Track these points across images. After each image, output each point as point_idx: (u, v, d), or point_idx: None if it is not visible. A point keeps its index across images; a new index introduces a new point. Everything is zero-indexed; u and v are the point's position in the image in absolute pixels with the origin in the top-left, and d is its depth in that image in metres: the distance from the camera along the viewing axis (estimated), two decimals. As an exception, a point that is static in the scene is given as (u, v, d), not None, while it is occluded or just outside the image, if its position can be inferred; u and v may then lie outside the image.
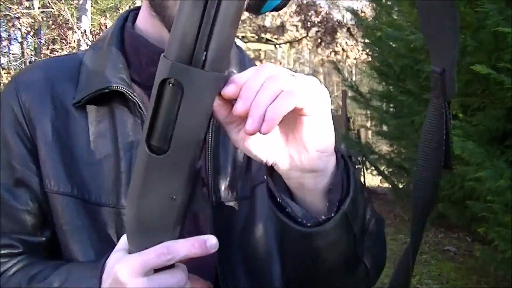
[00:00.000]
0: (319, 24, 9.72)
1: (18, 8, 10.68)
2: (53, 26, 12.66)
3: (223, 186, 0.74)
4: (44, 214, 0.75)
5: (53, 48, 12.60)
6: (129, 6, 9.96)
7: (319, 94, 0.53)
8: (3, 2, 10.35)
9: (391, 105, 6.07)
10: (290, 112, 0.49)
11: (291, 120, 0.52)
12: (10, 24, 11.79)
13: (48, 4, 10.42)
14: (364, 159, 8.39)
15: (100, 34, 8.65)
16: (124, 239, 0.62)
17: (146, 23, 0.80)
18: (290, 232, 0.58)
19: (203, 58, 0.46)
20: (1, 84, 8.87)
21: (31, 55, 10.51)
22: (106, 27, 8.57)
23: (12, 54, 13.79)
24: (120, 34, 0.81)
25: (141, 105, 0.74)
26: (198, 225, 0.74)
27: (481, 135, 3.40)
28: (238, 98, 0.48)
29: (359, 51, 10.38)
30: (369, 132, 12.29)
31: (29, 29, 11.78)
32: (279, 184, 0.58)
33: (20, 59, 11.45)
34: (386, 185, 8.58)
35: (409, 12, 4.44)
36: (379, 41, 5.51)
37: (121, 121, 0.75)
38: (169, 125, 0.48)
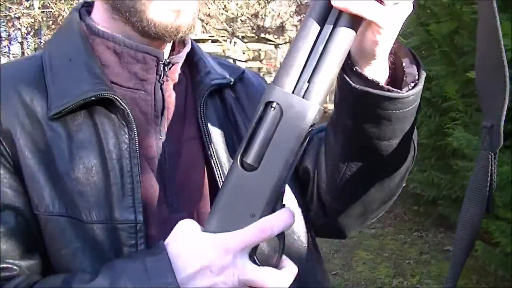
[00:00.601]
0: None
1: (18, 8, 10.70)
2: (53, 26, 12.66)
3: None
4: (34, 237, 0.69)
5: (53, 48, 12.58)
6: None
7: None
8: (3, 2, 10.36)
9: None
10: None
11: None
12: (10, 24, 11.81)
13: (48, 4, 10.42)
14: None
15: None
16: (181, 226, 0.60)
17: (107, 24, 0.75)
18: (386, 106, 0.62)
19: (305, 88, 0.51)
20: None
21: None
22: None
23: (12, 54, 13.79)
24: (82, 33, 0.75)
25: (129, 112, 0.69)
26: None
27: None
28: None
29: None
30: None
31: (29, 29, 11.81)
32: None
33: (20, 59, 11.41)
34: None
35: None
36: None
37: (104, 129, 0.69)
38: (264, 145, 0.51)
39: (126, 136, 0.68)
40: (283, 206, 0.55)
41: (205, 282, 0.56)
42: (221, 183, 0.71)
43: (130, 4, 0.70)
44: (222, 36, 10.21)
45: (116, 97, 0.68)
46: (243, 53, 12.27)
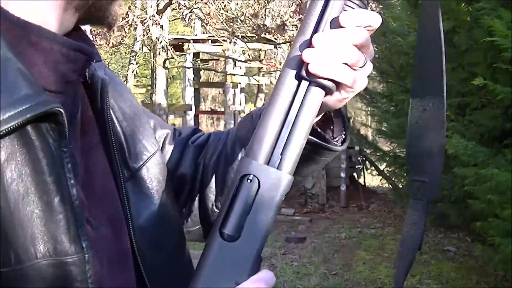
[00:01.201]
0: (319, 24, 9.75)
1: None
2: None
3: None
4: None
5: (53, 48, 12.59)
6: (129, 6, 9.95)
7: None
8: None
9: (392, 104, 6.07)
10: None
11: None
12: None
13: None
14: (364, 159, 8.39)
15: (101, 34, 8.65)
16: None
17: (32, 12, 0.59)
18: (323, 154, 0.74)
19: (279, 160, 0.53)
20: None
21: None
22: (106, 27, 8.57)
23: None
24: None
25: (66, 126, 0.56)
26: None
27: (481, 135, 3.41)
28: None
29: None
30: (369, 131, 12.28)
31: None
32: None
33: (20, 59, 11.37)
34: (386, 185, 8.58)
35: (409, 9, 4.45)
36: (380, 38, 5.51)
37: (40, 149, 0.54)
38: (243, 216, 0.53)
39: (63, 151, 0.56)
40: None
41: None
42: (123, 190, 0.68)
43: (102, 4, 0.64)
44: (222, 36, 10.21)
45: (62, 110, 0.55)
46: (243, 53, 12.25)
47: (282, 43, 12.09)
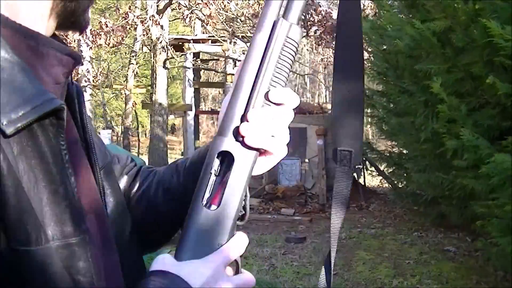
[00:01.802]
0: (319, 23, 9.71)
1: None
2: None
3: None
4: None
5: (53, 48, 12.59)
6: (129, 6, 9.95)
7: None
8: (3, 2, 10.34)
9: (391, 105, 6.07)
10: None
11: None
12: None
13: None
14: (364, 159, 8.39)
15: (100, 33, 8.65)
16: (160, 260, 0.66)
17: (29, 19, 0.65)
18: None
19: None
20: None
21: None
22: (106, 26, 8.57)
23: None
24: None
25: (65, 123, 0.63)
26: None
27: (481, 135, 3.41)
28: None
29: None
30: (369, 132, 12.29)
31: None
32: None
33: (20, 59, 11.38)
34: (386, 185, 8.59)
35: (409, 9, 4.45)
36: (377, 38, 5.51)
37: (45, 142, 0.61)
38: (222, 187, 0.64)
39: (63, 145, 0.63)
40: None
41: None
42: (100, 182, 0.77)
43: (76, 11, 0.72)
44: (222, 36, 10.21)
45: (65, 107, 0.62)
46: (243, 53, 12.26)
47: (282, 43, 12.11)
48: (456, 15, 3.49)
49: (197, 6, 9.00)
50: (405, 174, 6.51)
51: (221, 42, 10.00)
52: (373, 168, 8.65)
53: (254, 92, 0.66)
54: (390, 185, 7.85)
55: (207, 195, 0.64)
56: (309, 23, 9.77)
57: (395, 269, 4.74)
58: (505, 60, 3.08)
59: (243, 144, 0.66)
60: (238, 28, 11.32)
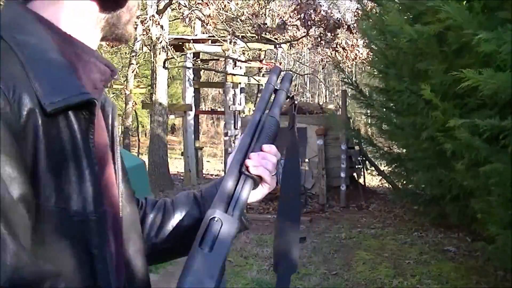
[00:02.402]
0: (319, 23, 9.71)
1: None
2: (53, 26, 12.65)
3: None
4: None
5: (53, 48, 12.60)
6: (129, 6, 9.92)
7: None
8: (3, 2, 10.34)
9: (392, 104, 6.06)
10: None
11: None
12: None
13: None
14: (364, 159, 8.39)
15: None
16: None
17: (73, 28, 0.79)
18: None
19: (232, 211, 0.88)
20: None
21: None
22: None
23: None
24: (48, 31, 0.77)
25: (95, 116, 0.75)
26: None
27: (479, 135, 3.41)
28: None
29: (359, 51, 10.38)
30: (369, 132, 12.28)
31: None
32: None
33: (20, 59, 11.37)
34: (386, 185, 8.59)
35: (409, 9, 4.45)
36: (379, 35, 5.49)
37: (77, 130, 0.73)
38: (214, 240, 0.83)
39: (92, 137, 0.75)
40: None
41: None
42: (120, 190, 0.88)
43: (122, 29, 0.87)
44: (222, 36, 10.21)
45: (96, 102, 0.75)
46: (243, 53, 12.25)
47: (282, 43, 12.09)
48: (448, 19, 3.49)
49: (197, 6, 9.00)
50: (405, 174, 6.52)
51: (221, 42, 10.00)
52: (373, 168, 8.65)
53: (249, 149, 1.00)
54: (390, 185, 7.85)
55: (206, 241, 0.83)
56: (309, 23, 9.76)
57: (395, 269, 4.74)
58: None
59: (247, 171, 0.95)
60: (238, 28, 11.31)
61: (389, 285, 4.37)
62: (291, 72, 1.14)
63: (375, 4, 6.31)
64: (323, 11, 9.92)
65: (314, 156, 8.12)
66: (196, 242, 0.83)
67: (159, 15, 8.95)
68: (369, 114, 7.02)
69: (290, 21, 10.47)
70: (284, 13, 10.96)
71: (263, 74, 13.83)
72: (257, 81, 12.94)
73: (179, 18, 11.56)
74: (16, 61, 0.71)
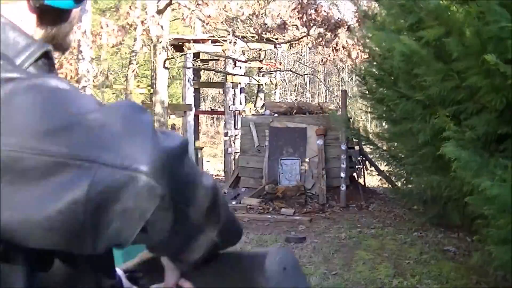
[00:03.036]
0: (320, 22, 9.72)
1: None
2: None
3: None
4: None
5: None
6: (129, 7, 9.94)
7: None
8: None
9: (389, 112, 6.04)
10: None
11: None
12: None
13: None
14: (364, 159, 8.39)
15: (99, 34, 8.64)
16: None
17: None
18: None
19: None
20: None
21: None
22: (107, 26, 8.57)
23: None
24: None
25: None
26: None
27: (478, 138, 3.40)
28: None
29: (360, 50, 10.39)
30: (369, 131, 12.26)
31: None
32: None
33: (20, 59, 11.35)
34: (386, 185, 8.59)
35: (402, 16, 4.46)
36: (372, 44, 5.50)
37: None
38: None
39: None
40: None
41: None
42: None
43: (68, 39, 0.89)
44: (222, 36, 10.21)
45: (51, 48, 0.80)
46: (243, 53, 12.24)
47: (282, 43, 12.09)
48: (450, 22, 3.48)
49: (198, 6, 9.00)
50: (405, 174, 6.51)
51: (221, 42, 10.00)
52: (373, 168, 8.65)
53: None
54: (390, 185, 7.85)
55: None
56: (309, 23, 9.76)
57: (395, 269, 4.74)
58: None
59: None
60: (238, 28, 11.31)
61: (389, 285, 4.37)
62: None
63: (376, 4, 6.28)
64: (324, 11, 9.92)
65: (314, 156, 8.12)
66: None
67: (159, 15, 8.95)
68: (369, 111, 7.00)
69: (290, 21, 10.46)
70: (285, 12, 10.96)
71: (263, 74, 13.84)
72: (257, 81, 12.94)
73: (179, 18, 11.57)
74: None
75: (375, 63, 5.78)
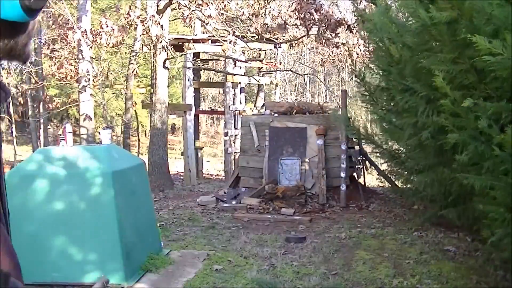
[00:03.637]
0: (320, 22, 9.72)
1: (18, 8, 10.62)
2: (53, 26, 12.65)
3: None
4: None
5: (54, 48, 12.60)
6: (129, 6, 9.93)
7: None
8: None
9: (392, 104, 6.04)
10: None
11: None
12: (10, 24, 11.72)
13: (48, 4, 10.38)
14: (364, 159, 8.39)
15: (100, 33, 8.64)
16: None
17: None
18: None
19: None
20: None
21: (32, 55, 10.43)
22: (107, 26, 8.57)
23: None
24: None
25: None
26: None
27: (481, 129, 3.40)
28: None
29: (361, 50, 10.38)
30: (369, 130, 12.26)
31: (29, 28, 11.70)
32: None
33: (20, 59, 11.34)
34: (386, 185, 8.58)
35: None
36: (381, 32, 5.45)
37: None
38: None
39: None
40: None
41: None
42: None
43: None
44: (222, 36, 10.22)
45: None
46: (243, 53, 12.25)
47: (282, 43, 12.09)
48: (461, 6, 3.48)
49: (198, 6, 9.00)
50: (405, 173, 6.51)
51: (221, 42, 10.00)
52: (373, 168, 8.64)
53: None
54: (390, 185, 7.85)
55: None
56: (309, 22, 9.77)
57: (395, 269, 4.74)
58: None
59: None
60: (238, 28, 11.31)
61: (389, 285, 4.37)
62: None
63: None
64: (324, 10, 9.92)
65: (314, 156, 8.12)
66: None
67: (159, 15, 8.95)
68: (370, 110, 6.99)
69: (290, 21, 10.47)
70: (285, 12, 10.97)
71: (263, 74, 13.83)
72: (257, 81, 12.94)
73: (179, 18, 11.56)
74: None
75: (382, 53, 5.73)
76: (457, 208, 4.88)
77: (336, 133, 8.04)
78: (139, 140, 17.09)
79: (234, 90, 11.86)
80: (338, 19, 9.91)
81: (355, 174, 8.40)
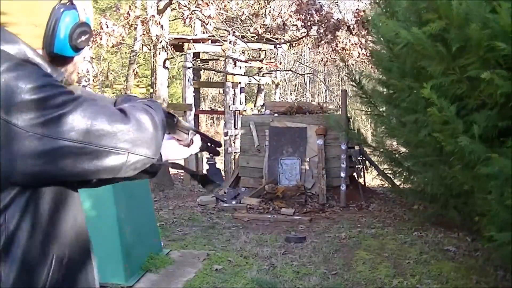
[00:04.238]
0: (320, 23, 9.71)
1: (18, 8, 10.62)
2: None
3: None
4: None
5: (53, 48, 12.58)
6: (129, 6, 9.94)
7: None
8: (3, 2, 10.32)
9: (393, 102, 6.03)
10: None
11: None
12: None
13: (48, 4, 10.33)
14: (364, 159, 8.39)
15: (100, 34, 8.64)
16: None
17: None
18: None
19: None
20: (1, 84, 8.84)
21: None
22: (107, 26, 8.57)
23: (12, 53, 13.74)
24: None
25: None
26: None
27: (479, 136, 3.41)
28: None
29: (360, 52, 10.37)
30: (369, 132, 12.28)
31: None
32: None
33: (20, 58, 11.34)
34: (386, 185, 8.58)
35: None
36: (382, 33, 5.45)
37: None
38: None
39: None
40: None
41: None
42: None
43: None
44: (222, 36, 10.20)
45: None
46: (243, 53, 12.24)
47: (282, 43, 12.08)
48: (450, 14, 3.47)
49: (198, 7, 8.99)
50: (405, 173, 6.51)
51: (221, 42, 9.99)
52: (373, 168, 8.64)
53: None
54: (390, 185, 7.84)
55: None
56: (309, 23, 9.76)
57: (395, 269, 4.74)
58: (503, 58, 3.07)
59: None
60: (238, 28, 11.31)
61: (389, 285, 4.37)
62: None
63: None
64: (324, 10, 9.92)
65: (314, 156, 8.12)
66: None
67: (159, 15, 8.95)
68: (369, 112, 6.99)
69: (290, 21, 10.46)
70: (285, 13, 10.96)
71: (263, 74, 13.83)
72: (257, 81, 12.93)
73: (179, 18, 11.56)
74: None
75: (384, 50, 5.72)
76: (458, 208, 4.88)
77: (336, 133, 8.04)
78: (139, 140, 17.04)
79: (234, 90, 11.84)
80: (338, 19, 9.90)
81: (355, 174, 8.40)
